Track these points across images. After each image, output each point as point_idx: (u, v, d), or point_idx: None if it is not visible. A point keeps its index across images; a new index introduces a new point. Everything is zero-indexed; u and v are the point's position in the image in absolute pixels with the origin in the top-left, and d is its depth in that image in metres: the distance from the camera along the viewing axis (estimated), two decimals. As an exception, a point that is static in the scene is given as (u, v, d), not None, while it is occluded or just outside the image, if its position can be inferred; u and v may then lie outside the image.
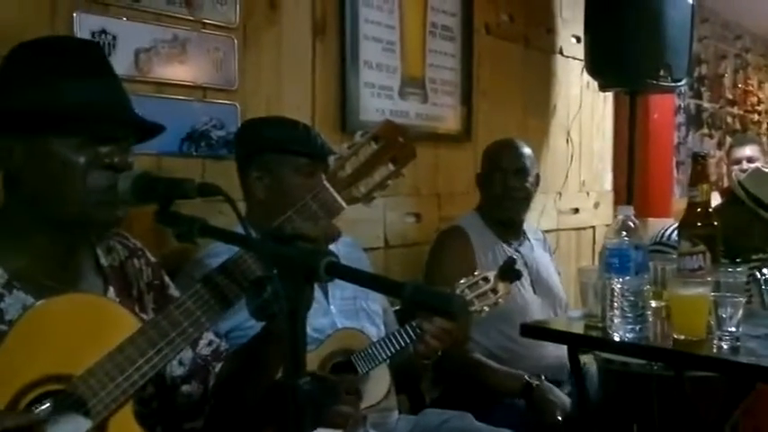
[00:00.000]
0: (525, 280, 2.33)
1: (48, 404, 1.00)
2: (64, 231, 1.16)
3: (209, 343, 1.34)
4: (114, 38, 1.81)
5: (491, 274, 1.63)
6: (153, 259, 1.36)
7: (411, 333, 1.63)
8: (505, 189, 2.33)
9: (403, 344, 1.64)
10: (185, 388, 1.30)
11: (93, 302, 1.14)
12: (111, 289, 1.24)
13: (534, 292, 2.35)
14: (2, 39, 1.55)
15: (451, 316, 0.78)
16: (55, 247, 1.16)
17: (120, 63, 1.78)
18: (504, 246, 2.36)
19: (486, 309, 1.60)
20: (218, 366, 1.33)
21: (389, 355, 1.64)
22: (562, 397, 2.11)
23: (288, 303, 0.93)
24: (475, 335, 2.23)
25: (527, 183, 2.36)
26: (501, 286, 1.62)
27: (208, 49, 2.01)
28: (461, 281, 1.63)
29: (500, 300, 1.62)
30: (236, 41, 2.07)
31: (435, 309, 0.81)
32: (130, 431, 1.07)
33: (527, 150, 2.40)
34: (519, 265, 2.26)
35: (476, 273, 1.63)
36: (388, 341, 1.64)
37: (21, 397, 1.01)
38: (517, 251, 2.37)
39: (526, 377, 2.11)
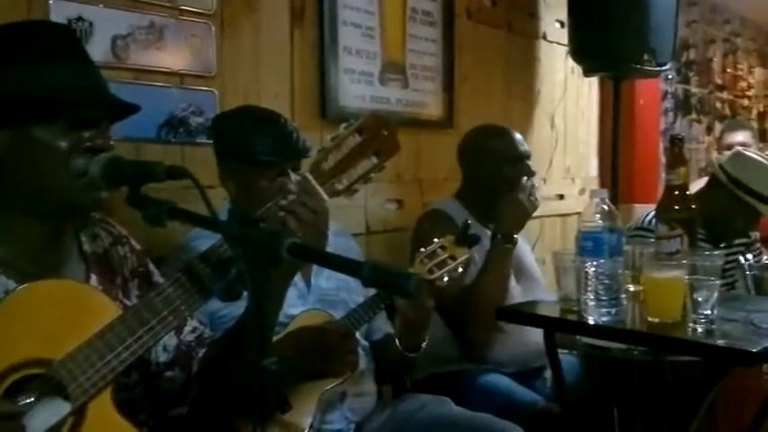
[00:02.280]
0: None
1: (32, 398, 1.01)
2: (48, 218, 1.17)
3: (193, 330, 1.35)
4: (91, 24, 1.80)
5: (448, 242, 1.62)
6: (138, 247, 1.36)
7: (375, 304, 1.65)
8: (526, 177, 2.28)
9: (369, 315, 1.66)
10: (168, 374, 1.32)
11: (74, 289, 1.14)
12: (94, 276, 1.24)
13: (517, 281, 2.35)
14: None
15: (408, 295, 0.78)
16: (38, 233, 1.17)
17: (97, 50, 1.78)
18: (488, 232, 2.35)
19: (446, 277, 1.60)
20: (201, 352, 1.34)
21: (358, 327, 1.66)
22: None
23: (253, 285, 0.94)
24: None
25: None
26: (459, 252, 1.62)
27: (185, 36, 2.00)
28: (421, 250, 1.62)
29: (459, 266, 1.61)
30: (213, 28, 2.07)
31: (392, 288, 0.81)
32: (109, 416, 1.08)
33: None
34: None
35: (434, 240, 1.63)
36: (354, 315, 1.66)
37: (1, 380, 1.02)
38: None
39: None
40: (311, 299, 1.73)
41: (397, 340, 1.68)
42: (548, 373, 2.31)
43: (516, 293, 2.30)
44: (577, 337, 2.13)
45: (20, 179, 1.14)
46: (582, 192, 3.61)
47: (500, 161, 2.30)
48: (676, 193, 1.79)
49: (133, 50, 1.89)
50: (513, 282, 2.32)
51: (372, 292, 1.77)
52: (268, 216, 1.19)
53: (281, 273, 1.20)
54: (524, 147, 2.35)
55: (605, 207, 1.64)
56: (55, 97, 1.12)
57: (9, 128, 1.12)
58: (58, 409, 1.03)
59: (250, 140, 1.67)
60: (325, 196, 1.23)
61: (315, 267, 1.75)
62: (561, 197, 3.48)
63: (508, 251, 2.17)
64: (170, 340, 1.31)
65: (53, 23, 1.55)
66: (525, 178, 2.23)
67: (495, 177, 2.30)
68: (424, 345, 1.68)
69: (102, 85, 1.21)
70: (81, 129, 1.14)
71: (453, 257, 1.61)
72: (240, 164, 1.69)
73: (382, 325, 1.86)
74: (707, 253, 1.79)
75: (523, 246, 2.48)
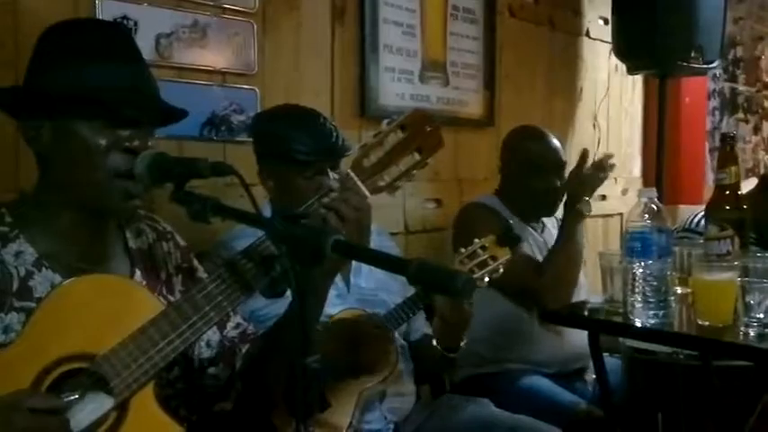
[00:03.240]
0: None
1: (77, 395, 1.02)
2: (89, 213, 1.18)
3: (237, 326, 1.35)
4: (135, 23, 1.83)
5: (489, 242, 1.59)
6: (182, 243, 1.37)
7: (412, 305, 1.64)
8: (554, 188, 2.24)
9: (406, 316, 1.64)
10: (212, 370, 1.32)
11: (118, 284, 1.15)
12: (138, 271, 1.25)
13: None
14: (25, 26, 1.58)
15: (456, 294, 0.76)
16: (83, 228, 1.18)
17: (142, 48, 1.76)
18: (530, 229, 2.33)
19: (487, 278, 1.58)
20: (245, 348, 1.34)
21: (395, 328, 1.65)
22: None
23: (297, 282, 0.93)
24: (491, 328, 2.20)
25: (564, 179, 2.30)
26: (500, 252, 1.58)
27: (228, 34, 2.02)
28: (461, 250, 1.59)
29: (500, 266, 1.58)
30: (255, 26, 2.08)
31: (440, 287, 0.80)
32: (151, 411, 1.09)
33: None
34: (542, 250, 2.27)
35: (475, 240, 1.60)
36: (391, 315, 1.65)
37: (46, 374, 1.03)
38: (541, 235, 2.35)
39: None
40: (351, 299, 1.72)
41: (434, 341, 1.66)
42: (588, 376, 2.27)
43: None
44: (621, 339, 2.09)
45: (61, 174, 1.16)
46: (625, 192, 3.54)
47: (529, 166, 2.25)
48: (727, 192, 1.74)
49: (176, 49, 1.91)
50: None
51: (412, 291, 1.76)
52: (311, 213, 1.19)
53: (324, 270, 1.20)
54: (558, 155, 2.26)
55: (654, 207, 1.60)
56: (96, 96, 1.12)
57: (52, 121, 1.14)
58: (101, 404, 1.04)
59: (289, 140, 1.67)
60: (366, 193, 1.22)
61: (354, 267, 1.75)
62: (604, 197, 3.40)
63: (580, 216, 2.12)
64: (213, 336, 1.31)
65: (108, 23, 1.57)
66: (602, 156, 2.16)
67: (524, 181, 2.26)
68: (463, 344, 1.65)
69: (152, 86, 1.21)
70: (121, 128, 1.14)
71: (494, 258, 1.58)
72: (279, 163, 1.70)
73: (421, 326, 1.84)
74: (759, 255, 1.74)
75: None
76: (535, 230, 2.35)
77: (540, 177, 2.22)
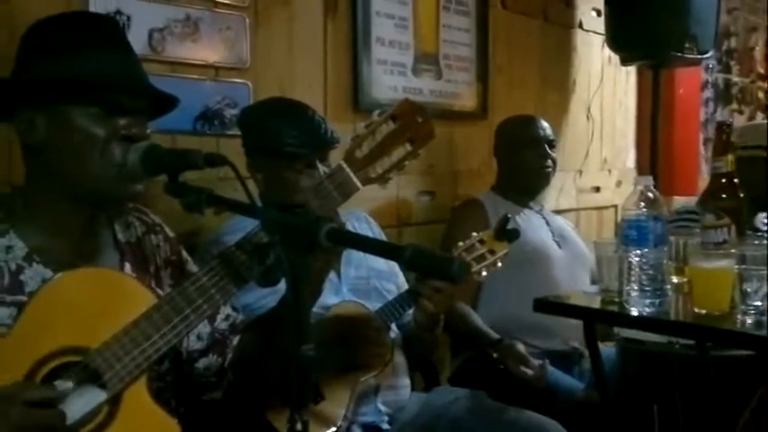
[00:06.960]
0: (548, 238, 2.39)
1: (70, 383, 1.02)
2: (83, 206, 1.18)
3: (227, 317, 1.35)
4: (129, 18, 1.82)
5: (487, 236, 1.60)
6: (171, 234, 1.36)
7: (407, 298, 1.64)
8: (542, 161, 2.39)
9: (401, 310, 1.65)
10: (203, 361, 1.32)
11: (110, 277, 1.15)
12: (127, 264, 1.25)
13: (559, 247, 2.38)
14: (19, 21, 1.56)
15: (451, 278, 0.76)
16: (74, 222, 1.18)
17: (135, 43, 1.72)
18: (525, 210, 2.41)
19: (485, 272, 1.58)
20: (236, 339, 1.35)
21: (389, 322, 1.66)
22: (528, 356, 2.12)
23: (291, 270, 0.93)
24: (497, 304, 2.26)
25: (555, 154, 2.47)
26: (498, 246, 1.59)
27: (220, 29, 2.01)
28: (459, 244, 1.61)
29: (498, 260, 1.59)
30: (247, 20, 2.07)
31: (435, 272, 0.80)
32: (144, 404, 1.09)
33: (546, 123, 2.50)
34: (539, 226, 2.36)
35: (473, 234, 1.60)
36: (385, 309, 1.65)
37: (39, 367, 1.03)
38: (539, 213, 2.45)
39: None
40: (344, 289, 1.73)
41: (414, 321, 1.69)
42: (585, 363, 2.27)
43: (561, 260, 2.34)
44: (615, 330, 2.09)
45: (56, 165, 1.15)
46: (619, 184, 3.54)
47: (520, 142, 2.40)
48: (723, 180, 1.74)
49: (169, 43, 1.90)
50: (555, 247, 2.37)
51: (403, 281, 1.77)
52: (306, 204, 1.18)
53: (319, 264, 1.21)
54: (546, 132, 2.43)
55: (650, 195, 1.59)
56: (93, 82, 1.12)
57: (48, 111, 1.13)
58: (93, 397, 1.04)
59: (277, 133, 1.67)
60: (359, 184, 1.23)
61: (344, 257, 1.75)
62: (597, 189, 3.42)
63: None
64: (204, 328, 1.31)
65: (97, 15, 1.57)
66: None
67: (518, 159, 2.39)
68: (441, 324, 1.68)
69: (144, 75, 1.22)
70: (118, 116, 1.14)
71: (492, 252, 1.60)
72: (268, 156, 1.70)
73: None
74: (756, 242, 1.73)
75: (560, 221, 2.55)
76: (533, 209, 2.44)
77: (531, 149, 2.38)
